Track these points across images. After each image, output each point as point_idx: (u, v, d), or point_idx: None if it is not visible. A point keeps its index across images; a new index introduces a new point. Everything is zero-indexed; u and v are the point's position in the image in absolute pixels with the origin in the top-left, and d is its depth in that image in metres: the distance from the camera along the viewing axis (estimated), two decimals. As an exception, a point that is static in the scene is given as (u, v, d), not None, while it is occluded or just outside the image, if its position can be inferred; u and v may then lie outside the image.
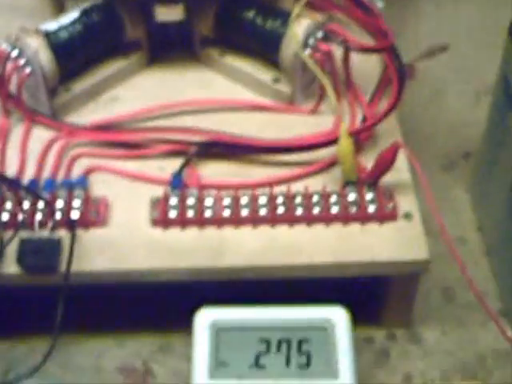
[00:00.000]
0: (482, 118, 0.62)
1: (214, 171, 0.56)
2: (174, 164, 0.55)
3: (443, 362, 0.55)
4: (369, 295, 0.57)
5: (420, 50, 0.78)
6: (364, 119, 0.58)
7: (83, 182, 0.54)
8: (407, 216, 0.53)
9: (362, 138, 0.56)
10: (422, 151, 0.66)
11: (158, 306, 0.56)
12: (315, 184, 0.54)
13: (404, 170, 0.55)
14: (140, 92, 0.62)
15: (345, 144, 0.53)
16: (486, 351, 0.56)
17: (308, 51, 0.57)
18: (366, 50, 0.59)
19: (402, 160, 0.55)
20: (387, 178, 0.54)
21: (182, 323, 0.51)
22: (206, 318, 0.50)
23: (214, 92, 0.62)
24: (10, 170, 0.55)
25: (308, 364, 0.50)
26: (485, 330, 0.56)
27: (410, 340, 0.56)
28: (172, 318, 0.56)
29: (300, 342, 0.50)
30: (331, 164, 0.55)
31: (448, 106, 0.73)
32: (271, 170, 0.56)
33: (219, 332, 0.50)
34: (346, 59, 0.60)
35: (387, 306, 0.56)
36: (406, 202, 0.53)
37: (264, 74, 0.61)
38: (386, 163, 0.52)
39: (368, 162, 0.55)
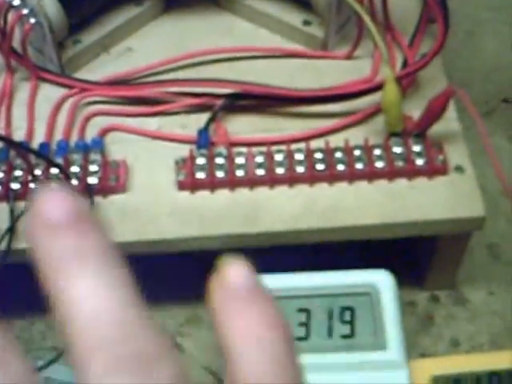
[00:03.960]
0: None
1: (243, 127, 0.50)
2: (198, 120, 0.50)
3: (492, 324, 0.51)
4: (411, 255, 0.52)
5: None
6: (405, 63, 0.52)
7: (99, 143, 0.49)
8: (459, 169, 0.48)
9: (404, 84, 0.51)
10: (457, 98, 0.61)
11: (184, 275, 0.51)
12: (356, 137, 0.49)
13: (453, 119, 0.50)
14: (156, 42, 0.56)
15: (391, 91, 0.47)
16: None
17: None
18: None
19: (450, 108, 0.49)
20: (435, 129, 0.48)
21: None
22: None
23: (237, 39, 0.56)
24: (18, 134, 0.50)
25: (352, 334, 0.45)
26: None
27: (455, 302, 0.52)
28: (199, 288, 0.51)
29: (342, 310, 0.46)
30: (373, 114, 0.50)
31: (484, 48, 0.67)
32: (306, 122, 0.50)
33: (255, 302, 0.45)
34: (383, -4, 0.54)
35: (431, 267, 0.51)
36: (457, 155, 0.48)
37: (293, 16, 0.55)
38: (436, 111, 0.46)
39: (412, 110, 0.50)
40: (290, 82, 0.51)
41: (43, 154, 0.47)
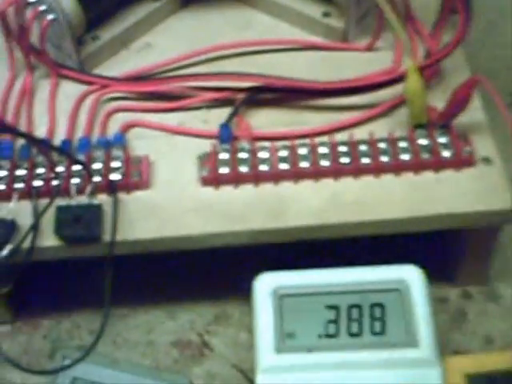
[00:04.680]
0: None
1: (265, 120, 0.50)
2: (220, 115, 0.50)
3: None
4: (441, 250, 0.52)
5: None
6: (427, 54, 0.52)
7: (121, 139, 0.48)
8: (486, 161, 0.47)
9: (427, 74, 0.50)
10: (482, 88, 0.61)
11: (211, 272, 0.51)
12: (380, 129, 0.48)
13: (478, 109, 0.49)
14: (175, 37, 0.56)
15: (414, 81, 0.47)
16: None
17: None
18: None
19: (475, 98, 0.48)
20: (460, 119, 0.47)
21: (237, 290, 0.46)
22: (267, 283, 0.45)
23: (256, 32, 0.55)
24: (40, 132, 0.49)
25: (383, 331, 0.44)
26: None
27: (488, 298, 0.51)
28: (226, 285, 0.51)
29: (372, 307, 0.45)
30: (397, 105, 0.49)
31: (508, 38, 0.66)
32: (329, 115, 0.50)
33: (282, 299, 0.44)
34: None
35: (462, 262, 0.50)
36: (483, 146, 0.47)
37: (312, 8, 0.55)
38: (461, 101, 0.46)
39: (435, 101, 0.49)
40: (312, 74, 0.51)
41: (65, 150, 0.47)
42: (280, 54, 0.54)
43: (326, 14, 0.54)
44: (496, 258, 0.50)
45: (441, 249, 0.52)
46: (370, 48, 0.53)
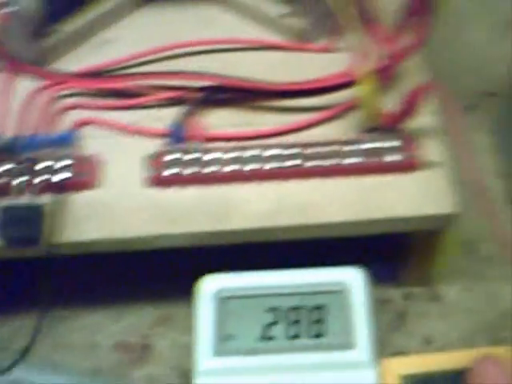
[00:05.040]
0: (509, 54, 0.56)
1: (219, 121, 0.50)
2: (174, 114, 0.50)
3: (465, 321, 0.50)
4: (386, 252, 0.52)
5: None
6: (385, 56, 0.51)
7: (71, 137, 0.48)
8: (433, 165, 0.47)
9: (383, 77, 0.50)
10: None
11: (155, 274, 0.51)
12: (333, 132, 0.48)
13: (431, 114, 0.49)
14: (135, 33, 0.55)
15: (367, 84, 0.46)
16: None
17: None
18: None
19: (427, 103, 0.48)
20: (413, 124, 0.48)
21: (182, 293, 0.46)
22: (209, 285, 0.45)
23: (216, 31, 0.55)
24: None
25: (321, 334, 0.44)
26: (510, 285, 0.51)
27: (429, 299, 0.52)
28: (171, 288, 0.51)
29: (312, 309, 0.45)
30: (350, 108, 0.49)
31: (470, 41, 0.66)
32: (284, 117, 0.50)
33: (224, 301, 0.45)
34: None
35: (406, 264, 0.51)
36: (432, 150, 0.47)
37: (273, 8, 0.54)
38: (409, 107, 0.46)
39: (390, 105, 0.49)
40: (267, 75, 0.51)
41: (10, 148, 0.47)
42: (240, 54, 0.54)
43: (286, 14, 0.54)
44: (439, 260, 0.50)
45: (385, 250, 0.52)
46: (328, 49, 0.53)
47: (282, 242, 0.47)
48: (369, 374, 0.44)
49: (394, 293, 0.52)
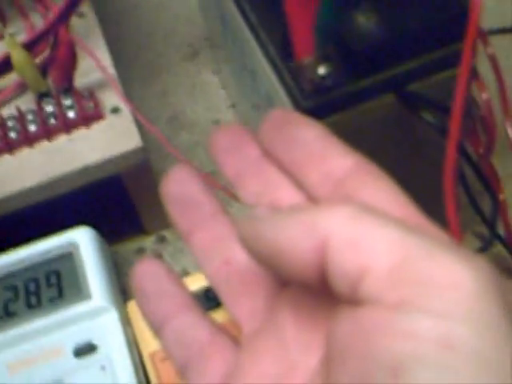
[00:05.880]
0: None
1: None
2: None
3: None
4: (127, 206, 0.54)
5: None
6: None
7: None
8: (115, 111, 0.49)
9: (39, 48, 0.50)
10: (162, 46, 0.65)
11: None
12: (9, 109, 0.50)
13: (107, 66, 0.51)
14: None
15: (18, 55, 0.48)
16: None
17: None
18: None
19: (104, 56, 0.51)
20: (87, 79, 0.50)
21: None
22: None
23: None
24: None
25: (60, 295, 0.46)
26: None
27: (180, 237, 0.54)
28: None
29: (48, 276, 0.47)
30: (22, 84, 0.51)
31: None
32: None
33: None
34: None
35: (140, 210, 0.52)
36: (112, 98, 0.50)
37: None
38: (65, 63, 0.48)
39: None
40: None
41: None
42: None
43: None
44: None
45: (127, 205, 0.54)
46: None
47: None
48: (111, 317, 0.46)
49: (149, 240, 0.54)
